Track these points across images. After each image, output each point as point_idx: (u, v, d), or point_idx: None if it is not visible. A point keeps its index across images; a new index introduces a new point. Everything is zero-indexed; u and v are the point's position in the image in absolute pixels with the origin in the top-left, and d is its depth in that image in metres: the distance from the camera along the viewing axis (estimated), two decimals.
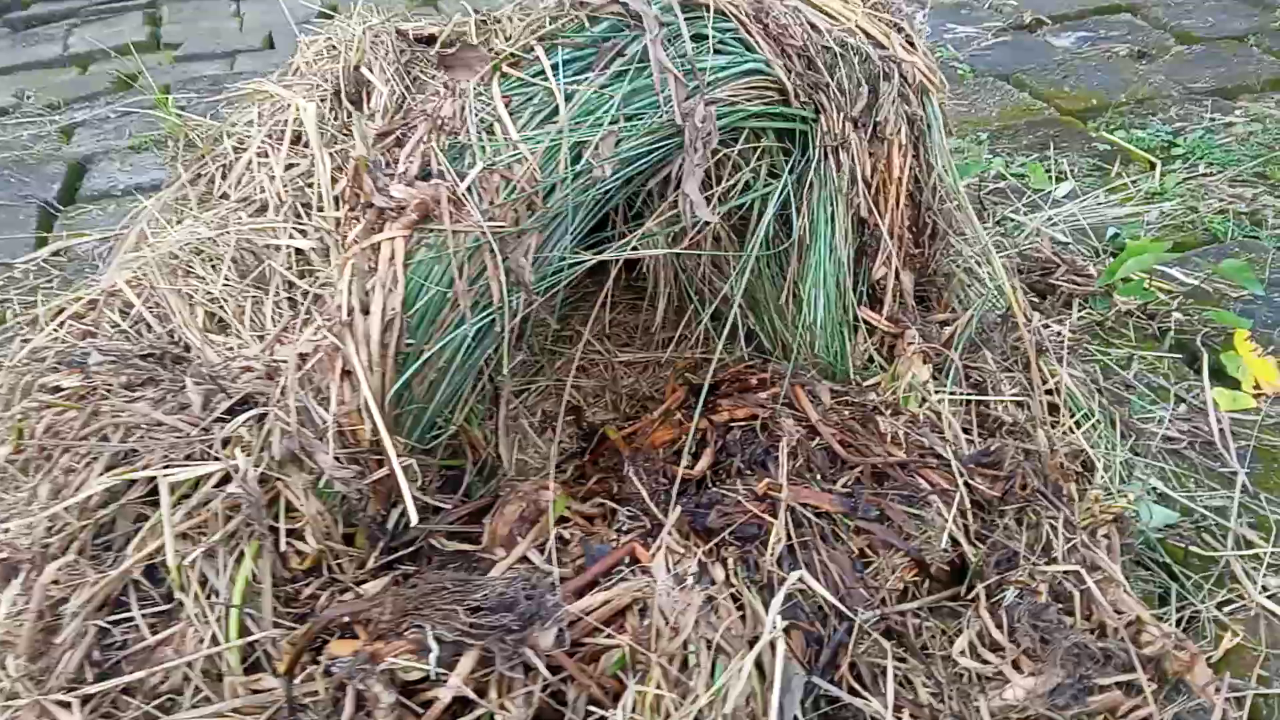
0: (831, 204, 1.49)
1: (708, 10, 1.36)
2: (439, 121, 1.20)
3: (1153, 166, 2.49)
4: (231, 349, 1.51)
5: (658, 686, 1.07)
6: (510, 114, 1.22)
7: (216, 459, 1.23)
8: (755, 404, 1.43)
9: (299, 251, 1.55)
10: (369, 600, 1.12)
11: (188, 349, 1.54)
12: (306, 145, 1.70)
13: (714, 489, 1.35)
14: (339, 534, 1.28)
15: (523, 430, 1.69)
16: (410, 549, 1.37)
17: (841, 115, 1.47)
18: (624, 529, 1.36)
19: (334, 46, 1.86)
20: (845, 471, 1.36)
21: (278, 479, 1.25)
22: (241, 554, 1.24)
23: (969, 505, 1.36)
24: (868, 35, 1.60)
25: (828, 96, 1.47)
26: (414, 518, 1.11)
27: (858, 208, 1.53)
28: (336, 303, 1.17)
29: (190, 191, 1.75)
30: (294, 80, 1.85)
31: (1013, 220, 2.32)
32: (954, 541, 1.32)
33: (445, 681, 1.02)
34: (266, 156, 1.71)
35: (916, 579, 1.29)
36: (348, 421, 1.20)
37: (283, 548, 1.24)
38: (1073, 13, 3.57)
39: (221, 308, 1.56)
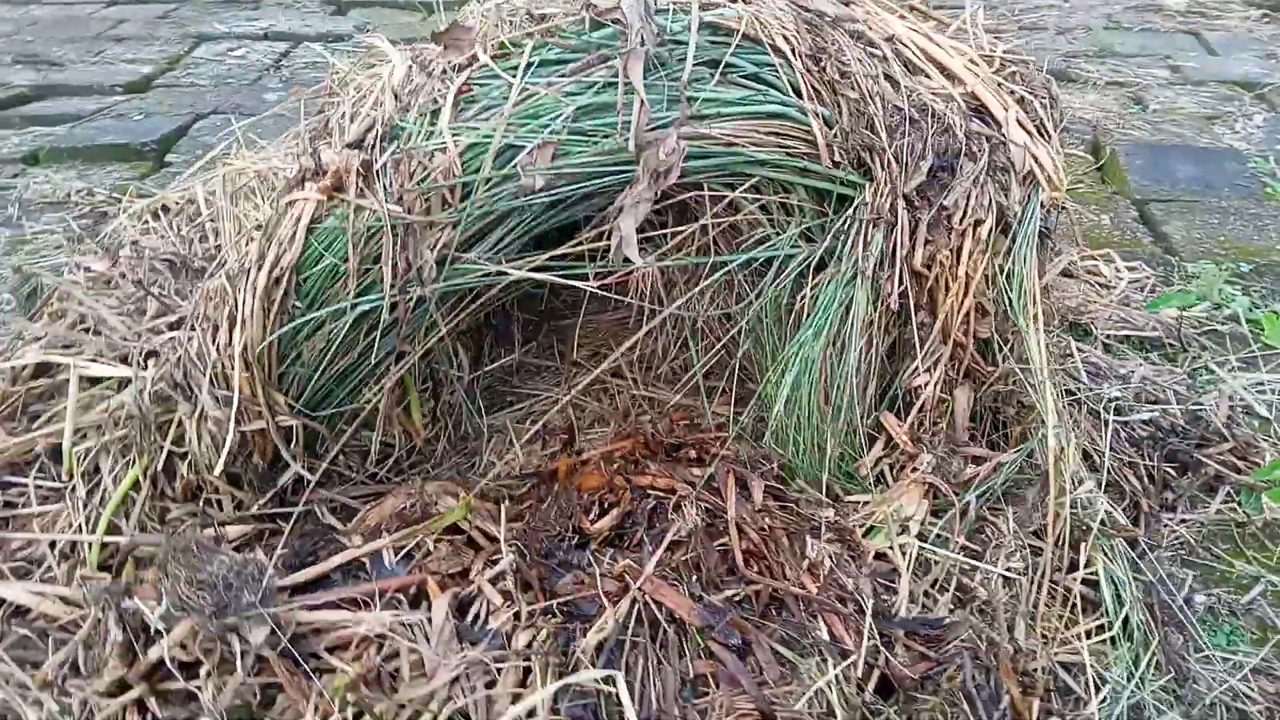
0: (849, 287, 1.27)
1: (738, 37, 1.20)
2: (396, 95, 1.17)
3: None
4: None
5: None
6: (464, 103, 1.15)
7: (130, 366, 1.30)
8: (682, 478, 1.26)
9: None
10: (158, 539, 1.12)
11: (222, 265, 1.64)
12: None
13: (588, 552, 1.21)
14: (220, 470, 1.29)
15: (510, 435, 1.63)
16: (303, 507, 1.37)
17: (891, 188, 1.25)
18: (495, 559, 1.27)
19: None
20: (738, 585, 1.16)
21: (180, 401, 1.28)
22: (132, 461, 1.30)
23: (872, 676, 1.11)
24: (979, 105, 1.34)
25: (881, 163, 1.25)
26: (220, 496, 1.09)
27: (889, 299, 1.29)
28: (245, 249, 1.17)
29: (303, 126, 1.85)
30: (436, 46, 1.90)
31: (1211, 373, 1.87)
32: (829, 711, 1.09)
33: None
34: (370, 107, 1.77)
35: None
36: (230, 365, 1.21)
37: (161, 466, 1.28)
38: None
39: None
